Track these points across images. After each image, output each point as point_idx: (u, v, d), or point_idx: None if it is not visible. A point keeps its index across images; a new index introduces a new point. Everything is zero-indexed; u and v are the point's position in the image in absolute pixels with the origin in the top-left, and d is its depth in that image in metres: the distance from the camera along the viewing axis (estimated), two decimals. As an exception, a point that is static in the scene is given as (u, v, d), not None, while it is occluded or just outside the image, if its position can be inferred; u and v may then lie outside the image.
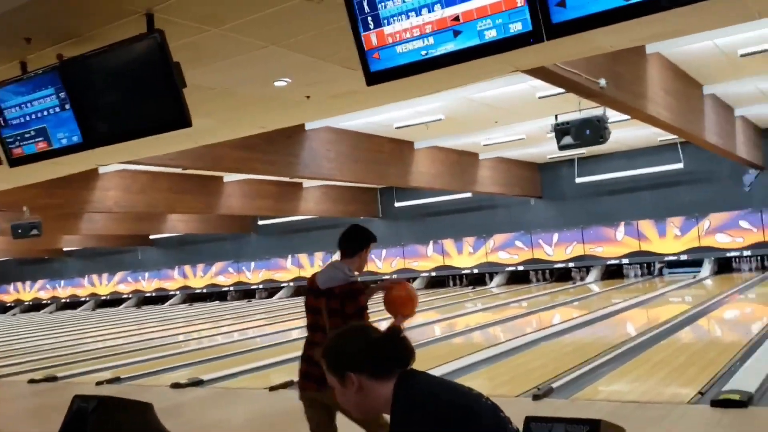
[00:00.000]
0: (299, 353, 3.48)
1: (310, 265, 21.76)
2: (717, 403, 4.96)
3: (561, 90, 7.36)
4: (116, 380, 8.30)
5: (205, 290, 24.44)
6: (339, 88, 5.31)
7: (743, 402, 4.89)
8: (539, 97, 9.50)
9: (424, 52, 2.87)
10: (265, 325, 14.42)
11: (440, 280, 20.10)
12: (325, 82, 5.18)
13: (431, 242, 19.99)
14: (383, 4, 2.90)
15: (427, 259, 20.10)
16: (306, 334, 3.39)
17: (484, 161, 15.75)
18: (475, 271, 19.38)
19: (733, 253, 15.70)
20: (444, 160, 14.22)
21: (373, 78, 3.03)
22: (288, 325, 13.05)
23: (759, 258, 15.63)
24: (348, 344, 1.74)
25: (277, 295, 22.44)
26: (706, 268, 15.86)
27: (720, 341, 8.17)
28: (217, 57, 4.51)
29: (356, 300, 3.16)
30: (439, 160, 14.03)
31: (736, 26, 7.04)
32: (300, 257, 22.14)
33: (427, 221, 20.35)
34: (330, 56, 4.53)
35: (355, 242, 3.32)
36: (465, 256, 19.47)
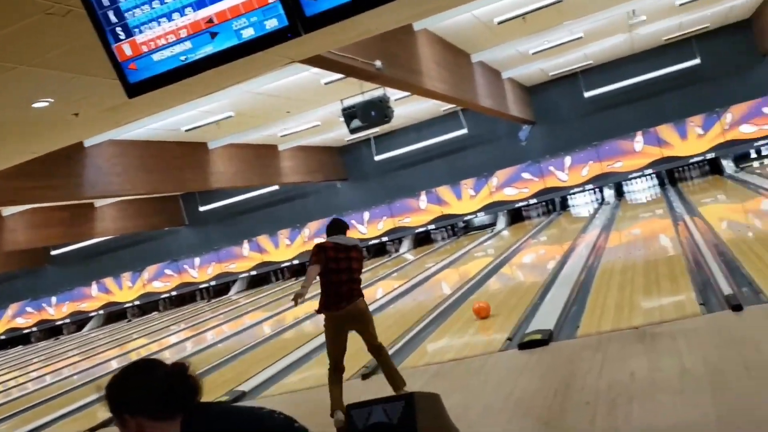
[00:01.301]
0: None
1: (119, 287, 20.46)
2: (523, 346, 5.43)
3: (343, 75, 7.53)
4: None
5: (4, 336, 22.02)
6: (109, 101, 4.99)
7: (545, 340, 5.41)
8: (325, 84, 9.64)
9: (183, 58, 2.78)
10: (80, 361, 13.34)
11: (262, 277, 19.85)
12: (92, 97, 4.84)
13: (246, 241, 19.65)
14: (131, 12, 2.75)
15: (244, 259, 19.74)
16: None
17: (284, 152, 15.73)
18: (296, 262, 19.38)
19: (521, 204, 17.22)
20: (242, 156, 13.97)
21: (134, 90, 2.87)
22: (105, 356, 12.19)
23: (544, 203, 17.29)
24: (126, 386, 1.64)
25: (87, 327, 20.80)
26: (501, 221, 17.24)
27: (521, 286, 8.91)
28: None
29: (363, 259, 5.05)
30: (237, 158, 13.76)
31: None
32: (106, 282, 20.70)
33: (238, 220, 19.97)
34: (90, 70, 4.23)
35: (346, 225, 4.97)
36: (282, 249, 19.39)
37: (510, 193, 17.08)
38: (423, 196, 17.67)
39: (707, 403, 3.54)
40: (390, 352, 6.25)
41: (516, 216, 17.50)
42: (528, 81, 16.20)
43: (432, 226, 17.97)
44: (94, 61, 3.99)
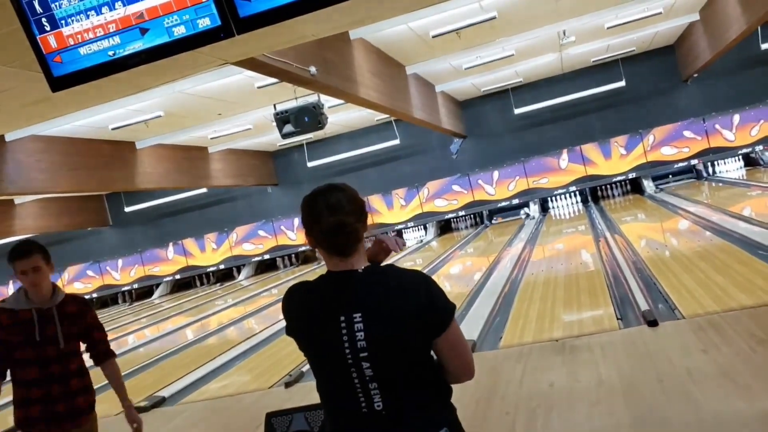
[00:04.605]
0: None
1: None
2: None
3: (277, 79, 7.47)
4: None
5: None
6: (31, 95, 4.78)
7: (468, 349, 5.48)
8: (258, 87, 9.54)
9: (111, 53, 2.69)
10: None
11: (186, 282, 19.40)
12: (13, 90, 4.63)
13: (171, 244, 19.17)
14: (57, 3, 2.65)
15: (168, 262, 19.24)
16: None
17: (214, 154, 15.47)
18: (222, 266, 19.04)
19: (450, 215, 17.47)
20: (171, 157, 13.65)
21: (58, 83, 2.77)
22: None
23: (472, 216, 17.60)
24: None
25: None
26: (431, 232, 17.45)
27: (447, 296, 9.01)
28: None
29: None
30: (165, 158, 13.44)
31: (426, 10, 7.77)
32: None
33: (164, 223, 19.47)
34: (12, 61, 4.05)
35: None
36: (209, 253, 19.02)
37: (440, 204, 17.31)
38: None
39: (622, 413, 3.67)
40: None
41: (445, 227, 17.75)
42: (461, 95, 16.51)
43: (365, 234, 18.00)
44: (18, 52, 3.84)
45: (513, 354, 5.21)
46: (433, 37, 9.18)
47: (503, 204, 16.92)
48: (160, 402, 6.04)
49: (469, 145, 17.56)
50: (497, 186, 16.88)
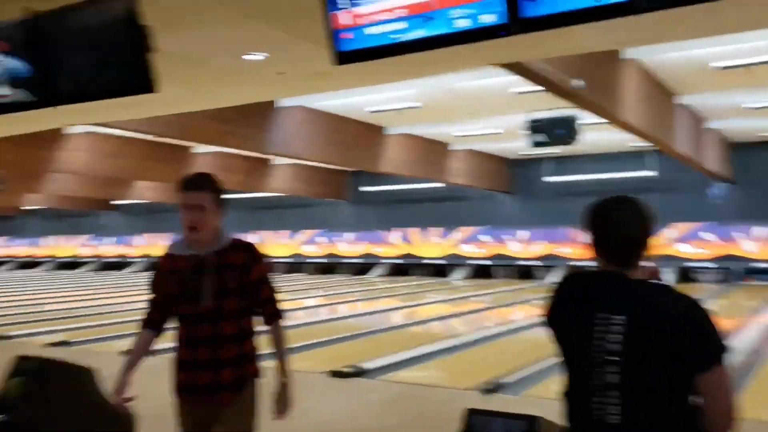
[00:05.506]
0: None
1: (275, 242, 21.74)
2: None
3: (537, 87, 7.36)
4: (65, 343, 8.16)
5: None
6: (312, 66, 5.22)
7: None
8: (515, 93, 9.51)
9: (394, 36, 2.82)
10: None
11: (403, 268, 20.11)
12: (298, 60, 5.08)
13: (396, 229, 19.99)
14: (357, -17, 2.84)
15: (390, 246, 20.11)
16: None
17: (454, 152, 15.78)
18: (440, 262, 19.43)
19: (695, 264, 15.95)
20: (415, 147, 14.21)
21: (341, 58, 2.97)
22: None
23: (720, 270, 15.88)
24: None
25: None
26: (669, 276, 16.08)
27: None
28: (191, 25, 4.39)
29: None
30: (409, 148, 14.02)
31: (712, 38, 7.13)
32: (265, 234, 22.01)
33: (394, 208, 20.36)
34: (304, 33, 4.44)
35: None
36: (430, 246, 19.51)
37: (685, 249, 15.88)
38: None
39: None
40: (518, 378, 6.07)
41: (684, 275, 16.20)
42: (734, 136, 14.95)
43: (589, 263, 17.13)
44: (309, 25, 4.20)
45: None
46: (717, 69, 8.41)
47: (765, 266, 15.05)
48: (361, 373, 6.32)
49: (733, 193, 15.87)
50: (760, 243, 15.04)
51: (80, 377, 4.02)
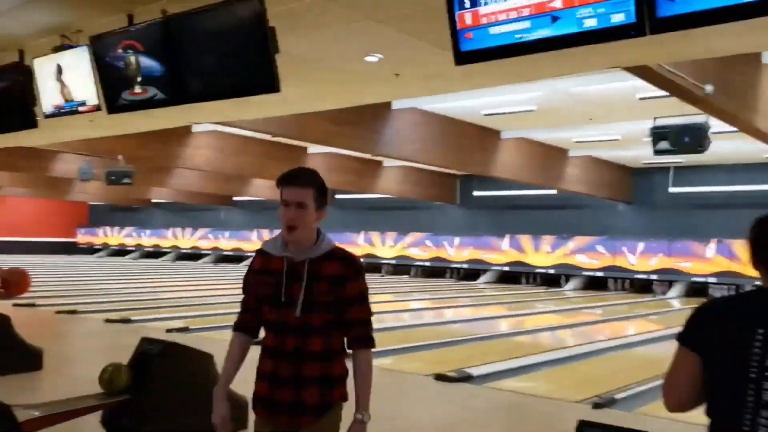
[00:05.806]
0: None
1: (381, 243, 21.95)
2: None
3: (663, 93, 7.00)
4: (185, 329, 8.63)
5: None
6: (429, 68, 5.22)
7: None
8: (640, 98, 9.11)
9: (518, 36, 2.77)
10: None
11: (513, 276, 19.74)
12: (416, 61, 5.11)
13: (507, 236, 19.64)
14: (482, -17, 2.80)
15: (500, 252, 19.77)
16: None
17: (572, 159, 15.30)
18: (551, 271, 18.92)
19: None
20: (531, 153, 13.89)
21: (463, 58, 2.95)
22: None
23: None
24: None
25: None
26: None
27: None
28: (312, 26, 4.52)
29: None
30: (525, 153, 13.73)
31: None
32: (372, 235, 22.26)
33: (505, 214, 20.01)
34: (422, 35, 4.45)
35: None
36: (542, 254, 19.02)
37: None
38: (712, 245, 15.92)
39: None
40: (630, 394, 5.81)
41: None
42: None
43: (713, 279, 16.11)
44: (428, 27, 4.20)
45: None
46: None
47: None
48: (466, 378, 6.25)
49: None
50: None
51: (201, 360, 4.26)
